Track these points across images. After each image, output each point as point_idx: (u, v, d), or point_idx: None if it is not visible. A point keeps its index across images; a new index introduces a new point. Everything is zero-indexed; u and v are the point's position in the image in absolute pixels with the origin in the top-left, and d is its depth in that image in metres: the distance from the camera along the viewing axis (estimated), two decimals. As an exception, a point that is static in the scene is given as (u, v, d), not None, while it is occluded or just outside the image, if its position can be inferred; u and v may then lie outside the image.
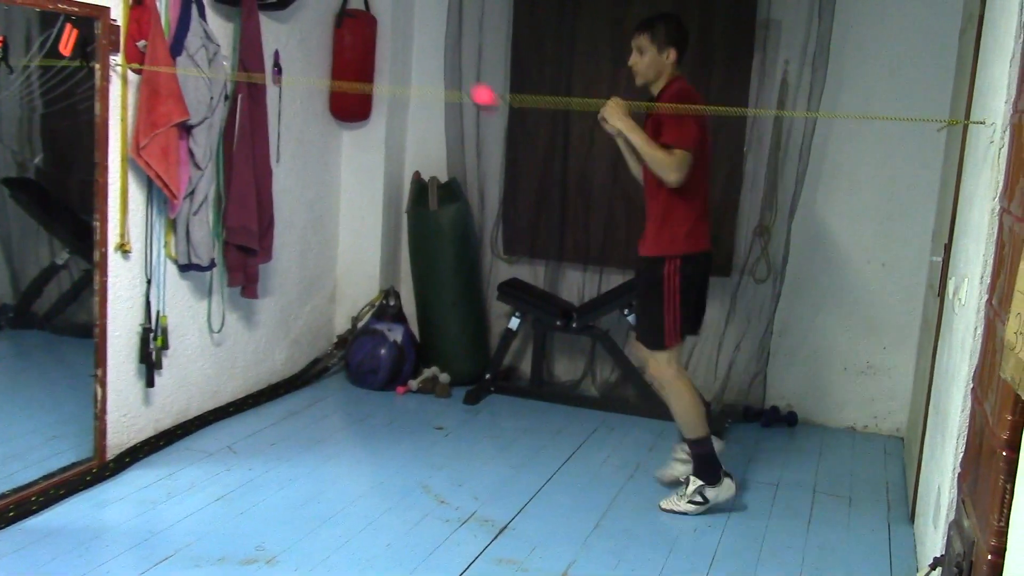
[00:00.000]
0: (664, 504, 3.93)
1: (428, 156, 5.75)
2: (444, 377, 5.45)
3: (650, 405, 5.20)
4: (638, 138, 3.67)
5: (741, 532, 3.84)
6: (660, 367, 3.88)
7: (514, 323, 5.38)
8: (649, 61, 3.75)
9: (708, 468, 3.89)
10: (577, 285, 5.59)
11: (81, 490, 3.79)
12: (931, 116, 4.47)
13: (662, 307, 3.80)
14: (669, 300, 3.78)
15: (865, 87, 4.96)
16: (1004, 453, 2.16)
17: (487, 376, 5.47)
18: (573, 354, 5.66)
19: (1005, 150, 2.65)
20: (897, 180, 4.98)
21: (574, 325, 5.28)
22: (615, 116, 3.73)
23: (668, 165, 3.61)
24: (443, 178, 5.59)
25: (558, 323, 5.30)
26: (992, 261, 2.69)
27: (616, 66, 5.25)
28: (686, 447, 4.02)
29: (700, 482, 3.88)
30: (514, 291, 5.40)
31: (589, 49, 5.32)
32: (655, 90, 3.83)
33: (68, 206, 4.56)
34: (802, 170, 5.05)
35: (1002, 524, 2.14)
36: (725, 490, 3.92)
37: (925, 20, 4.82)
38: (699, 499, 3.88)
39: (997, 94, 2.82)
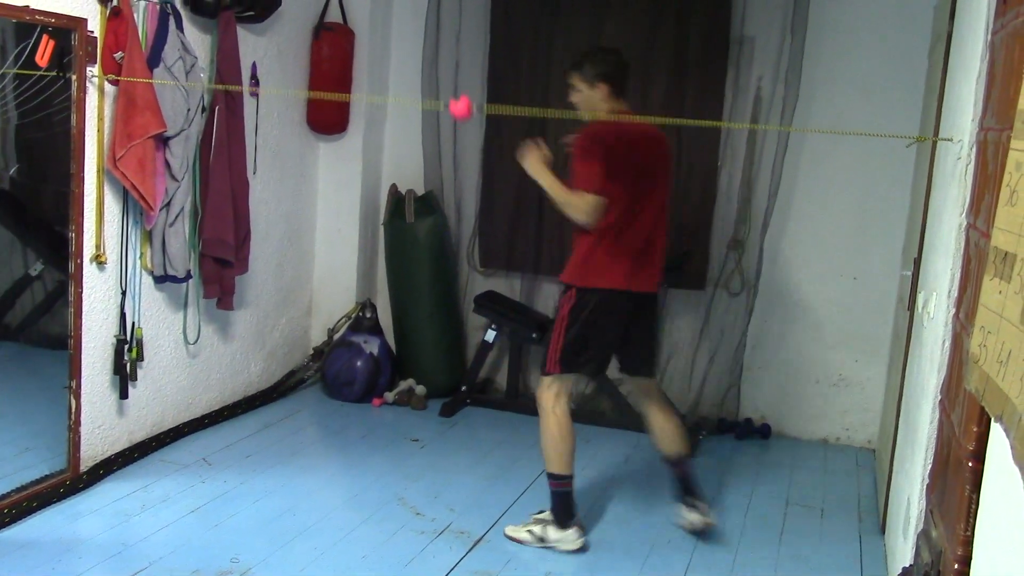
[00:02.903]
0: (508, 530, 3.79)
1: (405, 169, 5.77)
2: (420, 389, 5.45)
3: (625, 418, 5.23)
4: (548, 184, 3.64)
5: (714, 543, 3.87)
6: (540, 390, 3.75)
7: (490, 336, 5.39)
8: (582, 98, 3.75)
9: (560, 509, 3.70)
10: (553, 298, 5.61)
11: (54, 502, 3.77)
12: (901, 132, 4.53)
13: (551, 332, 3.74)
14: (558, 327, 3.69)
15: (837, 103, 5.03)
16: (970, 464, 2.20)
17: (463, 388, 5.48)
18: (549, 366, 5.68)
19: (971, 167, 2.70)
20: (868, 195, 5.05)
21: (550, 337, 5.29)
22: (529, 163, 3.69)
23: (574, 208, 3.57)
24: (420, 191, 5.61)
25: (534, 336, 5.32)
26: (959, 275, 2.73)
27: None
28: (695, 502, 3.90)
29: (551, 518, 3.71)
30: (490, 304, 5.42)
31: (565, 64, 5.34)
32: None
33: (43, 217, 4.54)
34: (775, 185, 5.12)
35: (968, 533, 2.17)
36: (567, 540, 3.67)
37: (895, 38, 4.90)
38: (538, 533, 3.71)
39: (964, 112, 2.87)
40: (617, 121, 3.67)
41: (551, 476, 3.71)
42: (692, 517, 3.86)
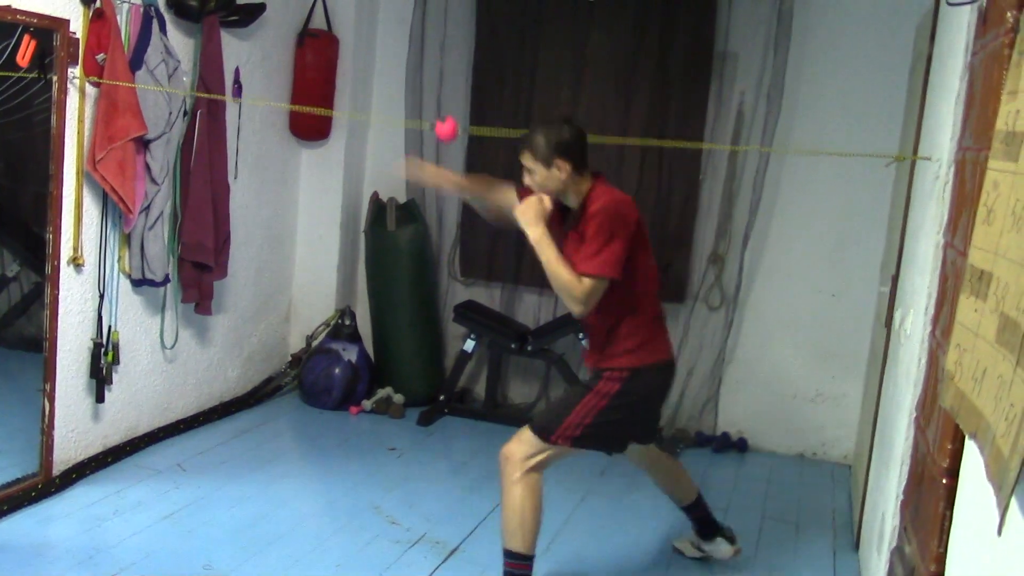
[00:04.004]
0: None
1: (387, 176, 5.76)
2: (398, 398, 5.44)
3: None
4: (547, 254, 3.11)
5: (690, 556, 3.87)
6: (515, 447, 3.19)
7: (469, 345, 5.39)
8: (541, 180, 3.20)
9: None
10: (532, 308, 5.62)
11: (25, 506, 3.73)
12: (881, 150, 4.57)
13: (580, 400, 3.22)
14: (591, 403, 3.19)
15: (818, 120, 5.07)
16: (944, 480, 2.21)
17: (441, 398, 5.47)
18: (527, 377, 5.69)
19: (950, 186, 2.73)
20: (847, 212, 5.08)
21: (529, 348, 5.30)
22: (526, 219, 3.18)
23: (573, 294, 3.07)
24: (401, 199, 5.61)
25: (513, 346, 5.32)
26: (936, 293, 2.75)
27: (575, 94, 5.33)
28: (728, 532, 3.77)
29: None
30: (470, 313, 5.42)
31: (549, 75, 5.38)
32: (573, 203, 3.25)
33: (20, 218, 4.50)
34: (756, 200, 5.15)
35: (941, 550, 2.19)
36: None
37: (877, 57, 4.94)
38: None
39: (943, 131, 2.90)
40: (617, 193, 3.21)
41: (509, 555, 3.19)
42: (725, 549, 3.73)
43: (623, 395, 3.21)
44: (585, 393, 3.23)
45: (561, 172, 3.17)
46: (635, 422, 3.35)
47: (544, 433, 3.19)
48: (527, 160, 3.21)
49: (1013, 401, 1.52)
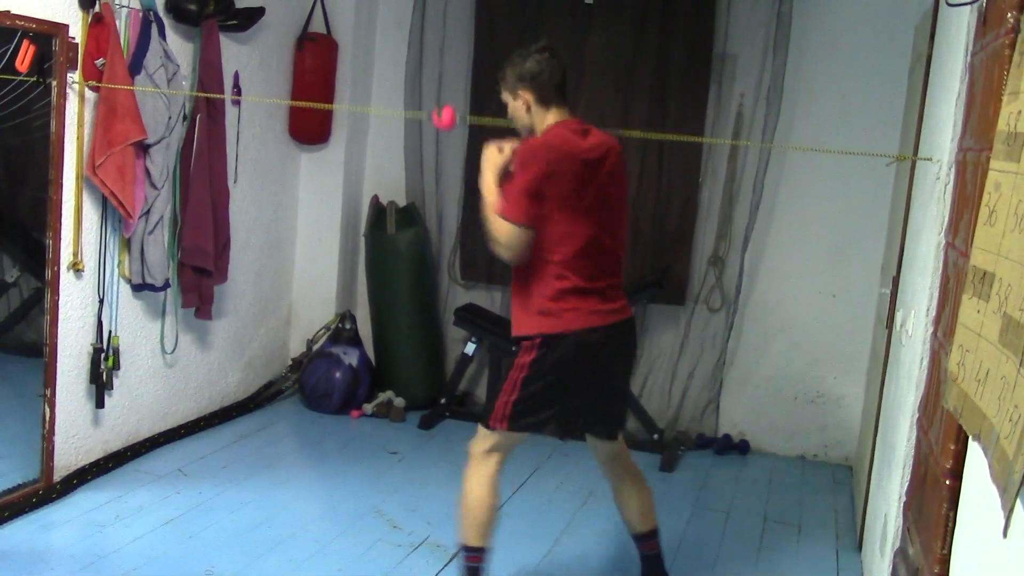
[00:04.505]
0: None
1: (387, 180, 5.76)
2: (399, 401, 5.43)
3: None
4: (489, 203, 3.04)
5: (693, 558, 3.86)
6: (474, 443, 3.15)
7: (470, 348, 5.38)
8: (511, 111, 3.16)
9: None
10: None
11: (26, 512, 3.73)
12: (881, 151, 4.57)
13: (507, 378, 3.10)
14: (513, 378, 3.07)
15: (818, 121, 5.06)
16: (947, 482, 2.20)
17: (442, 401, 5.46)
18: (528, 380, 5.67)
19: (950, 186, 2.72)
20: (848, 213, 5.08)
21: (530, 351, 5.29)
22: (484, 164, 3.11)
23: (495, 242, 3.00)
24: (401, 202, 5.60)
25: (514, 349, 5.29)
26: (937, 294, 2.75)
27: (574, 96, 5.32)
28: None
29: None
30: (470, 316, 5.41)
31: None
32: None
33: (20, 223, 4.50)
34: (756, 202, 5.14)
35: (945, 552, 2.18)
36: None
37: (876, 57, 4.94)
38: None
39: (943, 132, 2.89)
40: (565, 135, 3.05)
41: (464, 548, 3.15)
42: None
43: (540, 362, 3.03)
44: (509, 371, 3.11)
45: (523, 104, 3.10)
46: (562, 394, 3.08)
47: (485, 420, 3.12)
48: (502, 91, 3.16)
49: (1017, 403, 1.51)
